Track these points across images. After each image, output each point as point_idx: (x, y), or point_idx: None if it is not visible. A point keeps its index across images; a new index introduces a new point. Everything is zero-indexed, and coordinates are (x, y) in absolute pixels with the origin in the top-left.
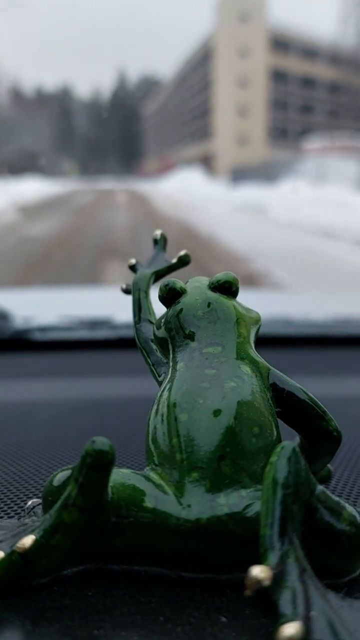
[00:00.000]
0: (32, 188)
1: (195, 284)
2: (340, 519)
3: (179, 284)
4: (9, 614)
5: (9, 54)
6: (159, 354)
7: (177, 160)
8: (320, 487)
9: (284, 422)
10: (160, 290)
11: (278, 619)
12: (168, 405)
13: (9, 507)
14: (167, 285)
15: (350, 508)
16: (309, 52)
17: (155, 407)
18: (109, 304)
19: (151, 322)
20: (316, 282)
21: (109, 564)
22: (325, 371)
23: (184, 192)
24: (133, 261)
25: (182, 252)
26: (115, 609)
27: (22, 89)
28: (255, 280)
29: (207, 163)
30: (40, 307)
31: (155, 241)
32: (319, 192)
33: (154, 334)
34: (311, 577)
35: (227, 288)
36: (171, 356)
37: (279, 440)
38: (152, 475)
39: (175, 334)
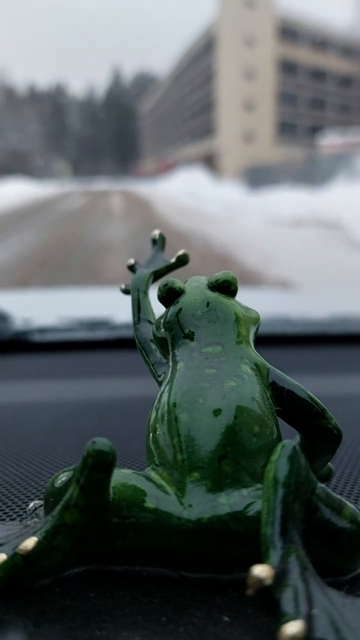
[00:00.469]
0: (14, 191)
1: (194, 284)
2: (341, 517)
3: (178, 283)
4: (11, 616)
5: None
6: (158, 354)
7: (176, 160)
8: (320, 486)
9: (284, 421)
10: (159, 290)
11: (280, 618)
12: (168, 405)
13: (11, 509)
14: (166, 285)
15: (351, 506)
16: (320, 42)
17: (155, 407)
18: (108, 305)
19: (150, 322)
20: None
21: (111, 564)
22: (325, 369)
23: (191, 195)
24: (132, 261)
25: (181, 252)
26: (117, 610)
27: (13, 87)
28: None
29: (210, 162)
30: (39, 309)
31: (154, 241)
32: None
33: (154, 334)
34: (313, 575)
35: (226, 287)
36: (171, 356)
37: (279, 439)
38: (153, 475)
39: (175, 334)
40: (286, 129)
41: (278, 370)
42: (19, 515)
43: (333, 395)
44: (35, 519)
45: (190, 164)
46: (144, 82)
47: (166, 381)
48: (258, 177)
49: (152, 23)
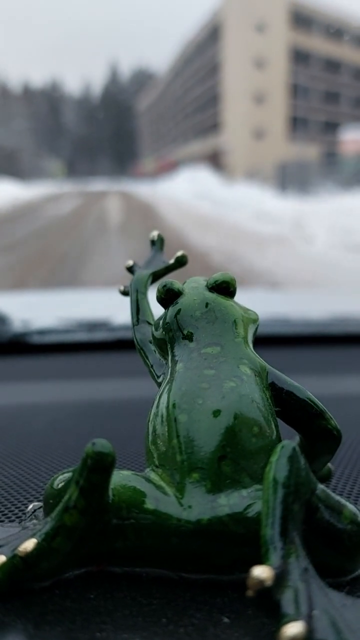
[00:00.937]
0: None
1: (193, 285)
2: (341, 517)
3: (177, 284)
4: (11, 618)
5: None
6: (157, 355)
7: (177, 158)
8: (320, 486)
9: (284, 422)
10: (158, 291)
11: (280, 619)
12: (167, 406)
13: (10, 511)
14: (164, 286)
15: (351, 506)
16: (335, 31)
17: (154, 408)
18: (107, 306)
19: (149, 323)
20: None
21: (110, 566)
22: (324, 370)
23: (202, 197)
24: (130, 262)
25: (179, 253)
26: (117, 611)
27: (6, 84)
28: None
29: (215, 161)
30: (38, 310)
31: (153, 242)
32: None
33: (153, 335)
34: (313, 576)
35: (225, 288)
36: (170, 357)
37: (278, 439)
38: (153, 476)
39: (174, 335)
40: (299, 125)
41: (277, 371)
42: (18, 517)
43: (332, 395)
44: (35, 521)
45: (192, 162)
46: (142, 78)
47: (165, 382)
48: (296, 175)
49: (150, 17)
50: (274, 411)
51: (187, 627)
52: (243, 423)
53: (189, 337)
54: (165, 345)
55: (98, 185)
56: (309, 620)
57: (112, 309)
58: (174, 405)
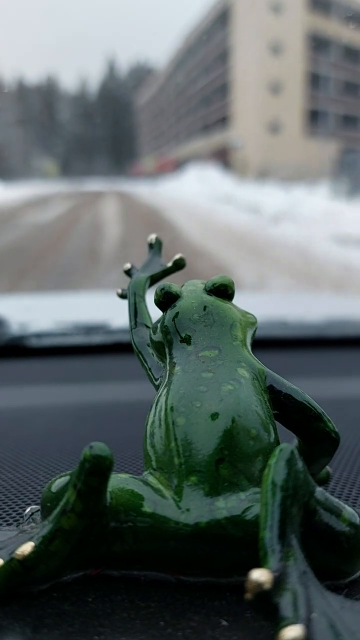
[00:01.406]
0: None
1: (191, 288)
2: (339, 520)
3: (175, 287)
4: (9, 621)
5: None
6: (155, 358)
7: (180, 156)
8: (319, 489)
9: (282, 425)
10: (156, 294)
11: (279, 622)
12: (165, 409)
13: (8, 515)
14: (162, 289)
15: (349, 509)
16: (355, 15)
17: (152, 412)
18: (105, 309)
19: (147, 327)
20: None
21: (108, 569)
22: (322, 373)
23: (222, 200)
24: (128, 265)
25: (177, 256)
26: (115, 614)
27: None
28: None
29: (224, 158)
30: (35, 313)
31: (151, 245)
32: None
33: (151, 338)
34: (311, 579)
35: (223, 291)
36: (168, 360)
37: (276, 442)
38: (151, 479)
39: (172, 338)
40: (316, 118)
41: (275, 374)
42: (15, 520)
43: (330, 398)
44: (32, 524)
45: (197, 160)
46: (140, 73)
47: (163, 385)
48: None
49: (148, 9)
50: (272, 414)
51: (185, 630)
52: (241, 426)
53: (187, 340)
54: (163, 348)
55: (94, 185)
56: (308, 624)
57: (110, 312)
58: (171, 408)
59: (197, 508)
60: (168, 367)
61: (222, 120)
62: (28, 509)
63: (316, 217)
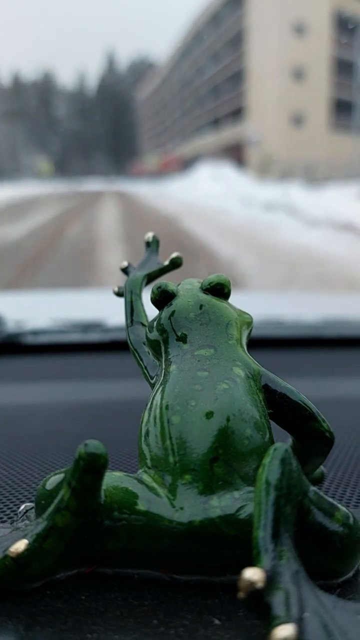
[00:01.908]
0: None
1: (187, 286)
2: (333, 519)
3: (171, 286)
4: (2, 619)
5: None
6: (151, 356)
7: (185, 153)
8: (313, 489)
9: (276, 424)
10: (153, 292)
11: (271, 621)
12: (160, 408)
13: (2, 512)
14: (159, 287)
15: (343, 509)
16: None
17: (147, 410)
18: (101, 307)
19: (143, 325)
20: None
21: (102, 567)
22: (317, 373)
23: (267, 206)
24: (125, 263)
25: (174, 255)
26: (108, 612)
27: None
28: None
29: (238, 155)
30: (32, 311)
31: (148, 244)
32: None
33: (147, 337)
34: (304, 578)
35: (219, 290)
36: (163, 358)
37: (271, 442)
38: (145, 478)
39: (168, 336)
40: (345, 109)
41: (270, 373)
42: (9, 518)
43: (325, 398)
44: (26, 522)
45: (207, 158)
46: (141, 67)
47: (159, 384)
48: None
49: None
50: (267, 413)
51: (178, 629)
52: (235, 425)
53: (183, 339)
54: (159, 346)
55: (91, 185)
56: (300, 623)
57: (106, 310)
58: (167, 406)
59: (191, 507)
60: (164, 366)
61: (235, 113)
62: (22, 507)
63: None
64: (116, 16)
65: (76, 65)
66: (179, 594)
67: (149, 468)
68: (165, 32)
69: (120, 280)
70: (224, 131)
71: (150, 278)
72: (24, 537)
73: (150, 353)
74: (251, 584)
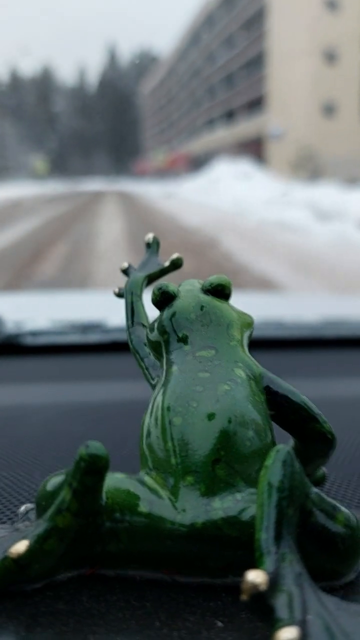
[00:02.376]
0: None
1: (188, 287)
2: (335, 521)
3: (172, 287)
4: (2, 620)
5: None
6: (152, 357)
7: (193, 150)
8: (314, 490)
9: (278, 425)
10: (153, 293)
11: (274, 624)
12: (162, 409)
13: (2, 513)
14: (160, 288)
15: (345, 510)
16: None
17: (149, 411)
18: (101, 308)
19: (144, 326)
20: None
21: (103, 568)
22: (318, 373)
23: (325, 216)
24: (126, 265)
25: (175, 255)
26: (110, 614)
27: None
28: None
29: (257, 150)
30: (31, 312)
31: (148, 245)
32: None
33: (147, 338)
34: (307, 580)
35: (220, 291)
36: (164, 359)
37: (273, 443)
38: (147, 479)
39: (169, 338)
40: None
41: (272, 374)
42: (10, 519)
43: (327, 399)
44: (27, 523)
45: (218, 154)
46: (144, 61)
47: (160, 385)
48: None
49: None
50: (269, 414)
51: (181, 631)
52: (237, 426)
53: (184, 340)
54: (160, 347)
55: (91, 185)
56: (303, 625)
57: (107, 311)
58: (168, 408)
59: (193, 508)
60: (165, 367)
61: (252, 104)
62: (23, 507)
63: None
64: (118, 8)
65: (76, 60)
66: (181, 595)
67: (150, 470)
68: (170, 22)
69: (119, 279)
70: (239, 124)
71: (150, 279)
72: (24, 538)
73: (151, 354)
74: (254, 586)
